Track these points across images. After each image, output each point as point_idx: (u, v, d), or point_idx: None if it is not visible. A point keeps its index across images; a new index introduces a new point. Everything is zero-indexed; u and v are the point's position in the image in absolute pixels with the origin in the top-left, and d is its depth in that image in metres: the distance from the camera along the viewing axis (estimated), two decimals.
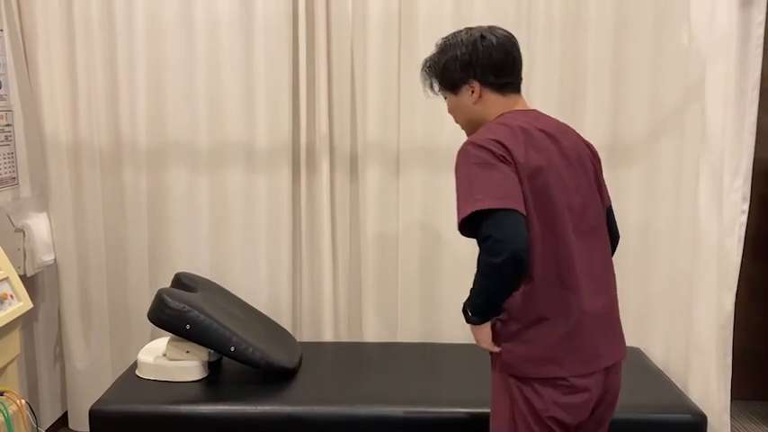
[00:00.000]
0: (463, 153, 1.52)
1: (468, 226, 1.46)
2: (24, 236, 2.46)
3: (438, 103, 2.58)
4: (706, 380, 2.24)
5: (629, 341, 2.60)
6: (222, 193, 2.66)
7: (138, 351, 2.34)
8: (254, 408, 2.05)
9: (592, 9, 2.49)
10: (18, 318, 1.92)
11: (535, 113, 1.66)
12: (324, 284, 2.67)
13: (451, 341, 2.59)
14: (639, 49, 2.49)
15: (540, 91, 2.54)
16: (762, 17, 2.05)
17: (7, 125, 2.43)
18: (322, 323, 2.69)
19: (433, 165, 2.62)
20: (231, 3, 2.54)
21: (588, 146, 1.70)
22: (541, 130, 1.57)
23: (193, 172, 2.65)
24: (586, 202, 1.59)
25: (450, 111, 1.74)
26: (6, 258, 1.96)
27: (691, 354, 2.32)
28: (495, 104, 1.64)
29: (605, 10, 2.49)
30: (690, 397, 2.19)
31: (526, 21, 2.51)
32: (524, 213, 1.44)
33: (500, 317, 1.55)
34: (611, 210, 1.72)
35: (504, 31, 1.67)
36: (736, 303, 2.25)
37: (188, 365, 2.22)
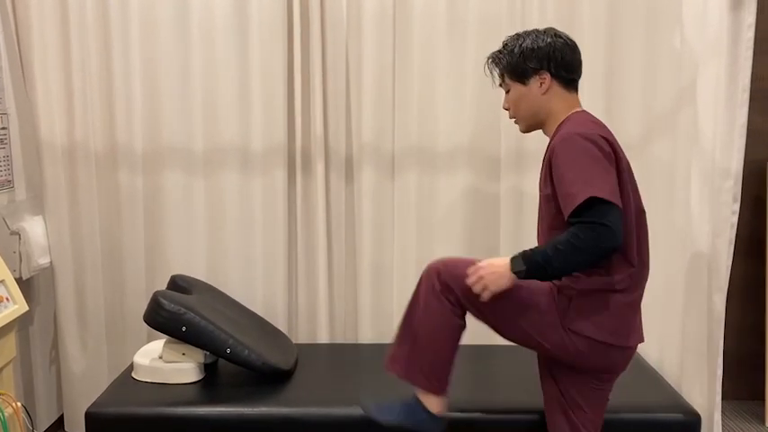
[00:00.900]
0: (574, 142, 1.64)
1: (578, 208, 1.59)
2: (20, 239, 2.46)
3: (433, 104, 2.61)
4: (697, 379, 2.26)
5: None
6: (218, 196, 2.67)
7: (134, 353, 2.34)
8: (250, 409, 2.06)
9: (585, 11, 2.51)
10: (14, 320, 1.93)
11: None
12: (319, 286, 2.67)
13: None
14: (632, 52, 2.51)
15: None
16: (752, 19, 2.07)
17: (2, 128, 2.43)
18: (317, 324, 2.70)
19: (428, 166, 2.63)
20: (226, 6, 2.55)
21: None
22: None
23: (189, 174, 2.65)
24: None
25: (512, 102, 1.83)
26: (2, 261, 1.97)
27: (683, 353, 2.34)
28: (561, 99, 1.79)
29: (598, 12, 2.50)
30: (683, 396, 2.20)
31: (520, 22, 2.52)
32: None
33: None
34: None
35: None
36: (729, 304, 2.26)
37: (184, 367, 2.23)
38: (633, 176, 1.76)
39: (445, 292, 1.75)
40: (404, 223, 2.66)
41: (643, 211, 1.78)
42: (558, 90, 1.78)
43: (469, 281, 1.69)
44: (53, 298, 2.70)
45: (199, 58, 2.58)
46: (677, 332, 2.39)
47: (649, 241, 1.79)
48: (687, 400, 2.17)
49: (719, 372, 2.19)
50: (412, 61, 2.58)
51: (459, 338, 1.79)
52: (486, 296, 1.67)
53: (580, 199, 1.58)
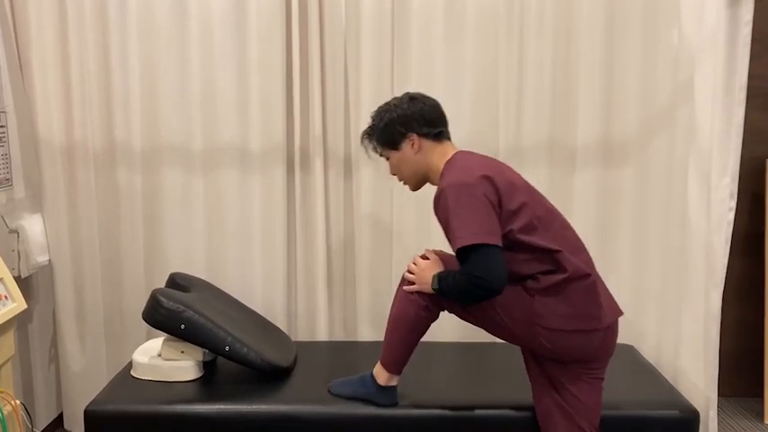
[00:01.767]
0: (444, 196, 1.78)
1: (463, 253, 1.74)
2: (18, 237, 2.46)
3: None
4: (694, 376, 2.26)
5: (623, 338, 2.64)
6: (217, 194, 2.67)
7: (133, 351, 2.34)
8: (249, 407, 2.06)
9: (583, 8, 2.50)
10: (13, 318, 1.93)
11: (468, 151, 1.98)
12: (318, 284, 2.67)
13: (446, 339, 2.60)
14: (630, 49, 2.51)
15: (532, 90, 2.56)
16: (749, 16, 2.07)
17: (1, 126, 2.43)
18: (317, 322, 2.70)
19: None
20: (224, 3, 2.55)
21: None
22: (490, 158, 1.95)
23: (188, 173, 2.65)
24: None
25: (394, 168, 2.02)
26: (0, 259, 1.97)
27: (680, 350, 2.34)
28: (434, 152, 1.94)
29: (596, 9, 2.50)
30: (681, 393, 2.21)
31: (518, 19, 2.52)
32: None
33: None
34: None
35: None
36: (727, 301, 2.27)
37: (183, 365, 2.23)
38: (531, 188, 1.89)
39: None
40: (403, 221, 2.66)
41: (553, 209, 1.89)
42: (429, 145, 1.94)
43: (408, 269, 1.94)
44: (52, 296, 2.70)
45: (197, 57, 2.58)
46: (674, 329, 2.39)
47: (575, 231, 1.91)
48: (684, 396, 2.17)
49: (716, 369, 2.20)
50: (410, 59, 2.57)
51: (423, 329, 1.96)
52: (410, 289, 1.91)
53: (456, 246, 1.73)
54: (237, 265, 2.69)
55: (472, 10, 2.54)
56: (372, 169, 2.62)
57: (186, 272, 2.61)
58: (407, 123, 1.93)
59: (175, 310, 2.15)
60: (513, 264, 1.79)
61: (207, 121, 2.62)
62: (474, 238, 1.70)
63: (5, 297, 1.92)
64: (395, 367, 2.00)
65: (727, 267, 2.23)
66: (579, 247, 1.87)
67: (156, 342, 2.34)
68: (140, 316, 2.22)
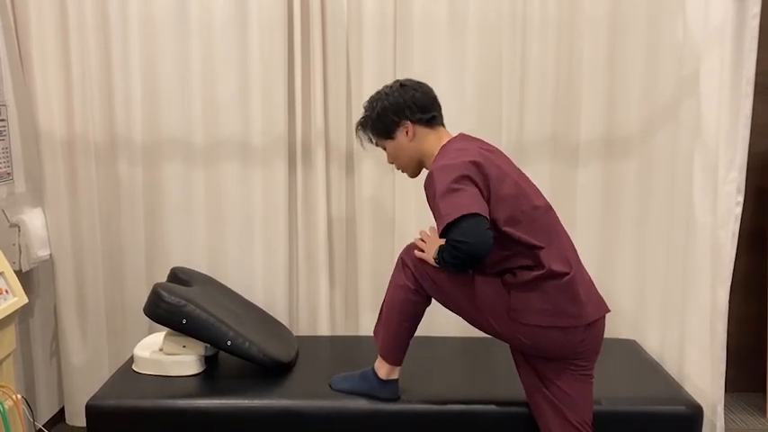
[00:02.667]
0: (432, 178, 1.77)
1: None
2: (19, 231, 2.45)
3: None
4: (700, 372, 2.25)
5: (626, 333, 2.63)
6: (218, 188, 2.66)
7: (135, 346, 2.34)
8: (251, 402, 2.06)
9: (587, 3, 2.48)
10: (14, 313, 1.92)
11: (465, 135, 1.99)
12: (320, 278, 2.67)
13: (447, 334, 2.60)
14: (635, 43, 2.49)
15: (535, 85, 2.54)
16: (757, 9, 2.05)
17: (1, 120, 2.42)
18: (318, 317, 2.69)
19: None
20: None
21: None
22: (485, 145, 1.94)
23: (189, 167, 2.64)
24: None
25: (391, 156, 2.02)
26: (1, 254, 1.96)
27: (685, 346, 2.33)
28: (428, 138, 1.95)
29: (600, 2, 2.48)
30: (685, 389, 2.20)
31: (521, 15, 2.50)
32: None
33: None
34: None
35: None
36: (732, 296, 2.25)
37: (185, 360, 2.22)
38: (525, 181, 1.87)
39: (407, 270, 1.94)
40: (404, 216, 2.65)
41: (542, 206, 1.85)
42: (423, 131, 1.95)
43: (419, 237, 1.95)
44: (53, 290, 2.69)
45: (199, 49, 2.56)
46: (679, 324, 2.38)
47: (565, 229, 1.90)
48: (689, 392, 2.16)
49: (723, 365, 2.18)
50: (412, 54, 2.56)
51: (415, 315, 1.96)
52: (417, 255, 1.91)
53: (443, 223, 1.70)
54: (239, 259, 2.68)
55: (474, 8, 2.52)
56: (374, 163, 2.61)
57: (187, 266, 2.60)
58: (400, 111, 1.93)
59: (177, 305, 2.14)
60: (494, 255, 1.77)
61: (208, 115, 2.61)
62: (458, 213, 1.68)
63: (6, 291, 1.92)
64: (394, 358, 2.00)
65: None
66: (564, 246, 1.84)
67: (158, 337, 2.33)
68: (142, 310, 2.21)
